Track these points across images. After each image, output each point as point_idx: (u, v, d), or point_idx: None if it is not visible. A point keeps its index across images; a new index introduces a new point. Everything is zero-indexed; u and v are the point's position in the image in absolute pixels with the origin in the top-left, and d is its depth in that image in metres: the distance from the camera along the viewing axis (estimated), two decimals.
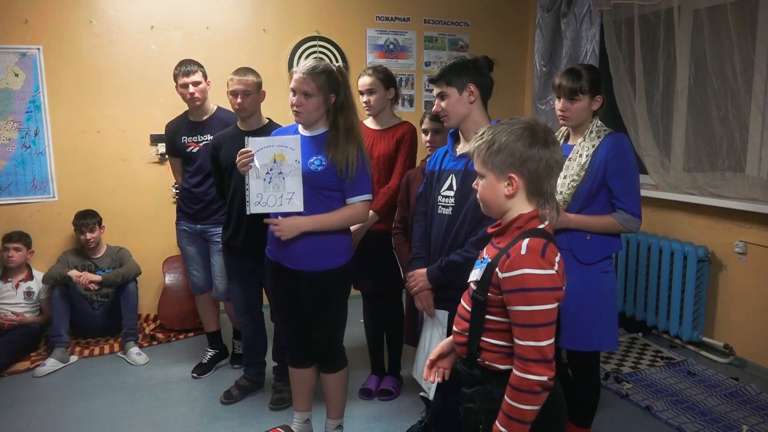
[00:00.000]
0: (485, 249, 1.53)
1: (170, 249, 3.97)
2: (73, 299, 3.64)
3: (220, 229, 3.12)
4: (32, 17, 3.79)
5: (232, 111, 3.13)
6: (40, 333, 3.75)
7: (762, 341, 3.29)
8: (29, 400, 3.06)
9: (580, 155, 2.22)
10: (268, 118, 2.95)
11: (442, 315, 2.03)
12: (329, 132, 2.27)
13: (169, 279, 4.05)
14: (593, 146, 2.21)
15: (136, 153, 4.11)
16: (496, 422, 1.39)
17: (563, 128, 2.38)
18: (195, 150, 3.22)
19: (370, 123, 2.99)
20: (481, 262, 1.48)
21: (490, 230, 1.52)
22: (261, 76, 2.90)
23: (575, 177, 2.20)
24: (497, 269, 1.39)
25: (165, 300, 4.01)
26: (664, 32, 3.69)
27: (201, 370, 3.35)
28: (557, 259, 1.40)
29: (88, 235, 3.72)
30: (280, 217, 2.25)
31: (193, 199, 3.25)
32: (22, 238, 3.72)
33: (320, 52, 4.42)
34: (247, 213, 2.30)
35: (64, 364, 3.45)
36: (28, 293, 3.72)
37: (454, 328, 1.55)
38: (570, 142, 2.32)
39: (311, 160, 2.24)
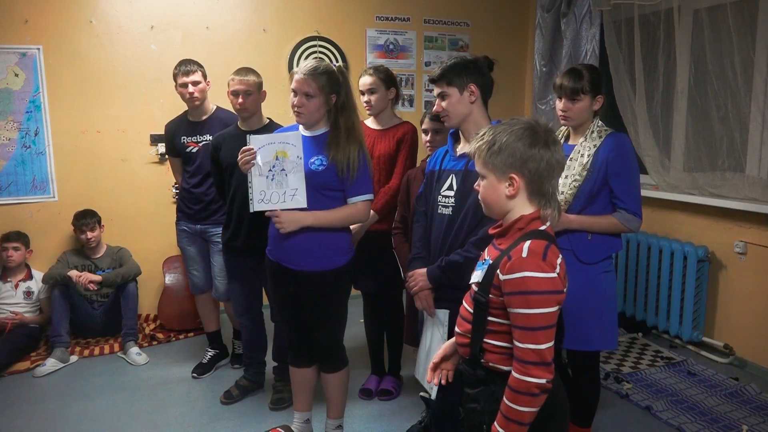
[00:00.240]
0: (486, 250, 1.52)
1: (170, 249, 3.97)
2: (73, 299, 3.64)
3: (219, 230, 3.12)
4: (32, 17, 3.79)
5: (232, 111, 3.13)
6: (40, 333, 3.75)
7: (762, 341, 3.30)
8: (29, 400, 3.05)
9: (582, 155, 2.22)
10: (268, 118, 2.95)
11: (443, 314, 2.03)
12: (330, 132, 2.27)
13: (169, 279, 4.05)
14: (594, 146, 2.21)
15: (136, 153, 4.11)
16: (495, 423, 1.39)
17: (563, 128, 2.39)
18: (194, 150, 3.22)
19: (370, 123, 2.99)
20: (483, 263, 1.48)
21: (491, 231, 1.52)
22: (261, 76, 2.90)
23: (577, 177, 2.20)
24: (498, 271, 1.39)
25: (165, 300, 4.01)
26: (664, 32, 3.69)
27: (201, 370, 3.35)
28: (559, 261, 1.39)
29: (89, 234, 3.72)
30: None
31: (193, 200, 3.25)
32: (20, 237, 3.72)
33: (320, 52, 4.42)
34: (251, 210, 2.28)
35: (64, 364, 3.45)
36: (28, 293, 3.72)
37: (457, 329, 1.55)
38: (571, 142, 2.32)
39: (312, 160, 2.24)
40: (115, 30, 3.98)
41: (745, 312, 3.38)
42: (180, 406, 3.00)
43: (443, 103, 2.05)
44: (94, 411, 2.94)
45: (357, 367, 3.20)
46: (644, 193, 3.73)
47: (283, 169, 2.24)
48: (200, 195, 3.22)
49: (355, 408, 2.91)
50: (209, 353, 3.44)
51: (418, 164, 2.89)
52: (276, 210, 2.23)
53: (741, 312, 3.42)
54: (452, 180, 2.06)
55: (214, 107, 3.29)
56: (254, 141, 2.27)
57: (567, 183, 2.21)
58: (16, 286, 3.71)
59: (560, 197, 2.18)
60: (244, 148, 2.27)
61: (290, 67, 4.33)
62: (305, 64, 2.25)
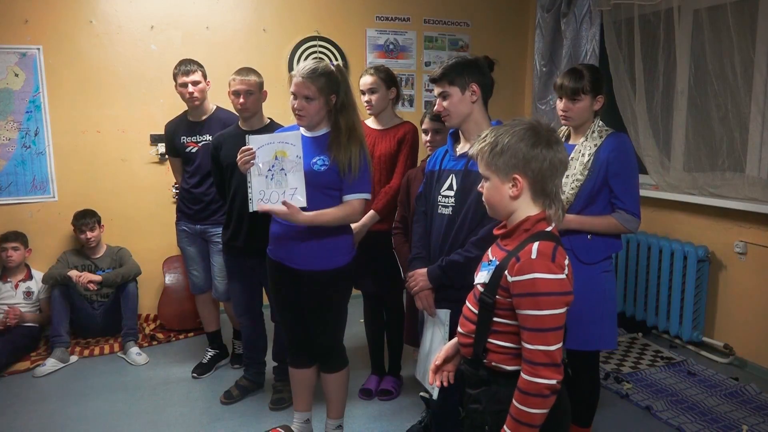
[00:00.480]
0: (491, 250, 1.52)
1: (170, 249, 3.97)
2: (73, 299, 3.64)
3: (219, 230, 3.12)
4: (32, 17, 3.79)
5: (232, 111, 3.14)
6: (40, 333, 3.75)
7: (762, 341, 3.30)
8: (29, 400, 3.05)
9: (583, 154, 2.22)
10: (269, 118, 2.95)
11: (444, 314, 2.03)
12: (331, 132, 2.27)
13: (169, 279, 4.05)
14: (595, 145, 2.21)
15: (136, 153, 4.11)
16: (505, 427, 1.38)
17: (564, 128, 2.39)
18: (194, 150, 3.22)
19: (371, 123, 2.99)
20: (488, 264, 1.48)
21: (496, 232, 1.52)
22: (262, 76, 2.90)
23: (579, 177, 2.20)
24: (506, 272, 1.39)
25: (165, 300, 4.01)
26: (664, 32, 3.69)
27: (201, 370, 3.35)
28: (566, 262, 1.40)
29: (89, 234, 3.72)
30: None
31: (193, 200, 3.25)
32: (18, 237, 3.72)
33: (320, 52, 4.42)
34: (250, 210, 2.28)
35: (64, 364, 3.45)
36: (28, 293, 3.72)
37: (459, 330, 1.55)
38: (571, 142, 2.32)
39: (314, 161, 2.24)
40: (115, 30, 3.98)
41: (745, 312, 3.38)
42: (180, 406, 3.00)
43: (444, 103, 2.05)
44: (94, 411, 2.94)
45: (357, 367, 3.20)
46: (644, 193, 3.76)
47: (282, 169, 2.24)
48: (200, 195, 3.22)
49: (355, 408, 2.91)
50: (209, 353, 3.44)
51: (418, 164, 2.89)
52: (275, 208, 2.21)
53: (741, 312, 3.42)
54: (452, 180, 2.06)
55: (214, 107, 3.29)
56: (253, 141, 2.27)
57: (568, 183, 2.21)
58: (16, 286, 3.71)
59: (562, 197, 2.18)
60: (243, 148, 2.26)
61: (290, 67, 4.33)
62: (303, 66, 2.23)
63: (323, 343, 2.41)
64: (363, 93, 2.91)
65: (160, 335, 3.90)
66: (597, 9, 4.05)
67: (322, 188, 2.24)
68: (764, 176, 3.31)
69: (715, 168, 3.53)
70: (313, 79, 2.19)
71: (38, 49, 3.83)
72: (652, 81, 3.82)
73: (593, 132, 2.25)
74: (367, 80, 2.89)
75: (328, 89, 2.22)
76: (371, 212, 2.84)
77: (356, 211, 2.29)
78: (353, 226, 2.56)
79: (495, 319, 1.43)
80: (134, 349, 3.57)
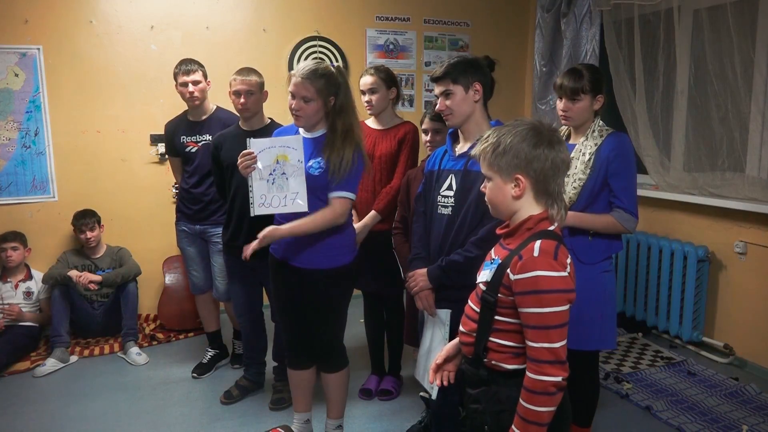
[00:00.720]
0: (493, 250, 1.53)
1: (170, 249, 3.97)
2: (73, 299, 3.64)
3: (219, 230, 3.12)
4: (32, 17, 3.79)
5: (232, 111, 3.14)
6: (40, 333, 3.75)
7: (762, 341, 3.30)
8: (29, 400, 3.05)
9: (583, 153, 2.22)
10: (270, 118, 2.95)
11: (444, 314, 2.03)
12: (327, 134, 2.26)
13: (169, 279, 4.05)
14: (596, 145, 2.22)
15: (136, 153, 4.11)
16: (513, 427, 1.38)
17: (564, 128, 2.39)
18: (194, 150, 3.22)
19: (371, 123, 2.99)
20: (491, 263, 1.48)
21: (499, 231, 1.52)
22: (263, 76, 2.90)
23: (581, 176, 2.20)
24: (509, 271, 1.39)
25: (165, 300, 4.01)
26: (664, 32, 3.69)
27: (201, 370, 3.35)
28: (568, 260, 1.41)
29: (89, 234, 3.72)
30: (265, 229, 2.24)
31: (192, 200, 3.25)
32: (17, 237, 3.72)
33: (320, 52, 4.42)
34: (251, 215, 2.29)
35: (64, 364, 3.45)
36: (28, 293, 3.72)
37: (461, 328, 1.55)
38: (572, 142, 2.32)
39: (310, 164, 2.24)
40: (115, 30, 3.98)
41: (745, 312, 3.38)
42: (180, 406, 3.00)
43: (447, 102, 2.04)
44: (94, 411, 2.94)
45: (357, 367, 3.20)
46: (644, 193, 3.77)
47: (283, 173, 2.23)
48: (199, 195, 3.22)
49: (355, 408, 2.91)
50: (209, 353, 3.44)
51: (419, 164, 2.89)
52: (258, 237, 2.21)
53: (741, 312, 3.42)
54: (452, 180, 2.06)
55: (214, 107, 3.29)
56: (254, 144, 2.26)
57: (569, 182, 2.21)
58: (16, 286, 3.71)
59: (564, 197, 2.18)
60: (244, 151, 2.26)
61: (290, 68, 4.32)
62: (303, 67, 2.22)
63: (323, 342, 2.41)
64: (363, 93, 2.91)
65: (160, 335, 3.90)
66: (597, 9, 4.06)
67: (317, 191, 2.24)
68: (764, 176, 3.31)
69: (715, 168, 3.53)
70: (312, 80, 2.19)
71: (38, 49, 3.83)
72: (652, 81, 3.82)
73: (593, 131, 2.25)
74: (367, 80, 2.88)
75: (327, 91, 2.21)
76: (372, 212, 2.84)
77: (337, 214, 2.22)
78: (355, 226, 2.57)
79: (497, 317, 1.43)
80: (134, 349, 3.57)
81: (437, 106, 2.10)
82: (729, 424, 2.73)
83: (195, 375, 3.32)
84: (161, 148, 3.99)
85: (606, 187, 2.20)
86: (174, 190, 3.76)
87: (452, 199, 2.04)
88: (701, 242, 3.55)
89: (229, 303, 3.30)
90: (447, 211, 2.06)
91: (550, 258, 1.36)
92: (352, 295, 2.44)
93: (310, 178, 2.22)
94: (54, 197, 3.97)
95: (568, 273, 1.38)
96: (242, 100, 2.79)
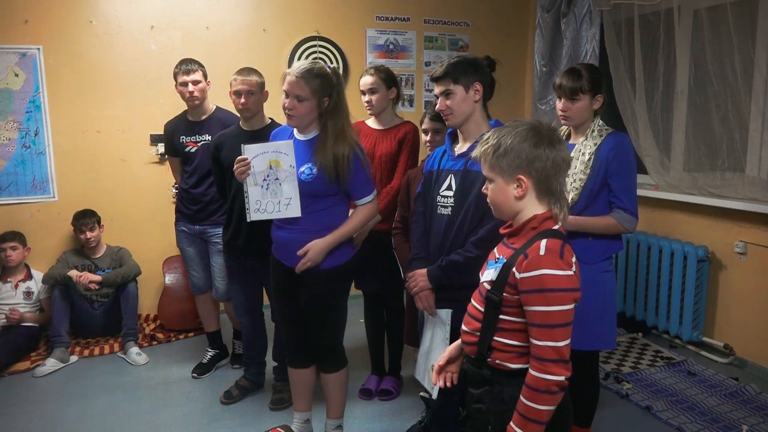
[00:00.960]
0: (497, 249, 1.53)
1: (170, 249, 3.97)
2: (73, 299, 3.64)
3: (218, 230, 3.12)
4: (32, 17, 3.79)
5: (231, 111, 3.14)
6: (40, 333, 3.75)
7: (762, 341, 3.30)
8: (29, 400, 3.05)
9: (583, 153, 2.22)
10: (270, 118, 2.95)
11: (445, 314, 2.03)
12: (319, 135, 2.26)
13: (169, 279, 4.05)
14: (595, 144, 2.22)
15: (136, 153, 4.11)
16: (511, 423, 1.39)
17: (564, 128, 2.39)
18: (193, 150, 3.22)
19: (371, 123, 2.99)
20: (495, 262, 1.48)
21: (502, 231, 1.53)
22: (263, 76, 2.90)
23: (581, 176, 2.20)
24: (514, 269, 1.40)
25: (165, 300, 4.01)
26: (664, 32, 3.69)
27: (201, 370, 3.35)
28: (574, 259, 1.41)
29: (89, 234, 3.72)
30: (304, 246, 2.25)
31: (191, 200, 3.24)
32: (16, 236, 3.72)
33: (320, 52, 4.42)
34: (248, 220, 2.32)
35: (64, 364, 3.45)
36: (28, 293, 3.72)
37: (464, 328, 1.55)
38: (572, 141, 2.32)
39: (302, 169, 2.23)
40: (115, 30, 3.98)
41: (745, 312, 3.38)
42: (180, 406, 3.00)
43: (447, 101, 2.03)
44: (94, 411, 2.94)
45: (357, 367, 3.20)
46: (644, 193, 3.77)
47: (276, 178, 2.25)
48: (198, 195, 3.22)
49: (355, 408, 2.90)
50: (209, 353, 3.44)
51: (419, 164, 2.89)
52: (302, 257, 2.24)
53: (741, 312, 3.42)
54: (451, 180, 2.06)
55: (214, 107, 3.29)
56: (248, 150, 2.29)
57: (569, 182, 2.21)
58: (16, 286, 3.71)
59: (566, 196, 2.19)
60: (238, 158, 2.29)
61: (290, 68, 4.31)
62: (298, 66, 2.23)
63: (323, 342, 2.41)
64: (363, 93, 2.91)
65: (160, 335, 3.90)
66: (597, 9, 4.05)
67: (311, 197, 2.25)
68: (764, 176, 3.31)
69: (715, 168, 3.53)
70: (307, 80, 2.18)
71: (38, 49, 3.83)
72: (652, 81, 3.82)
73: (593, 131, 2.25)
74: (367, 80, 2.88)
75: (321, 91, 2.20)
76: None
77: (372, 212, 2.34)
78: None
79: (501, 316, 1.44)
80: (134, 349, 3.56)
81: (437, 106, 2.09)
82: (729, 424, 2.73)
83: (195, 375, 3.32)
84: (161, 148, 3.98)
85: (606, 187, 2.20)
86: (174, 190, 3.76)
87: (452, 199, 2.04)
88: (701, 242, 3.55)
89: (228, 303, 3.30)
90: (447, 211, 2.06)
91: (556, 257, 1.37)
92: (349, 295, 2.44)
93: (302, 184, 2.23)
94: (54, 197, 3.97)
95: (574, 272, 1.39)
96: (242, 100, 2.79)
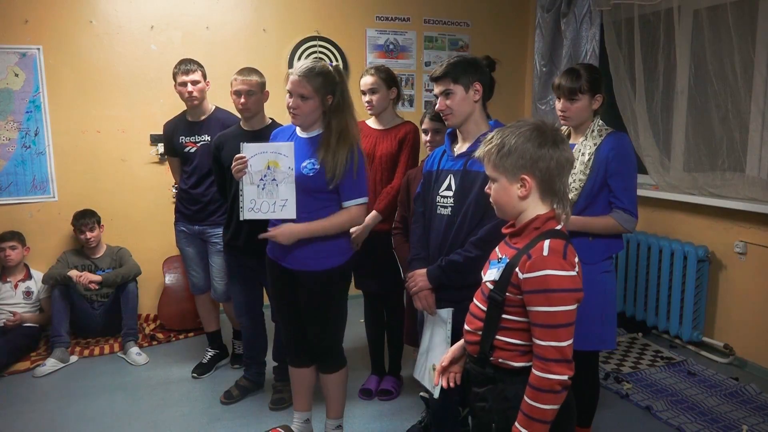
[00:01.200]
0: (499, 248, 1.53)
1: (170, 249, 3.96)
2: (73, 299, 3.64)
3: (217, 230, 3.13)
4: (32, 17, 3.79)
5: (231, 111, 3.14)
6: (40, 333, 3.75)
7: (762, 341, 3.30)
8: (29, 400, 3.05)
9: (583, 154, 2.22)
10: (271, 119, 2.95)
11: (446, 313, 2.03)
12: (323, 133, 2.26)
13: (169, 279, 4.05)
14: (595, 144, 2.21)
15: (136, 153, 4.11)
16: (516, 424, 1.39)
17: (564, 128, 2.39)
18: (192, 150, 3.22)
19: (372, 123, 2.99)
20: (498, 261, 1.49)
21: (505, 230, 1.53)
22: (264, 76, 2.90)
23: (581, 177, 2.20)
24: (517, 269, 1.40)
25: (165, 300, 4.01)
26: (664, 32, 3.69)
27: (201, 370, 3.35)
28: (576, 260, 1.42)
29: (89, 234, 3.72)
30: (277, 226, 2.25)
31: (191, 200, 3.24)
32: (15, 236, 3.72)
33: (320, 52, 4.42)
34: (240, 219, 2.32)
35: (64, 364, 3.45)
36: (27, 293, 3.72)
37: (466, 327, 1.56)
38: (571, 142, 2.32)
39: (304, 164, 2.24)
40: (115, 30, 3.98)
41: (745, 312, 3.38)
42: (180, 406, 3.00)
43: (447, 101, 2.03)
44: (94, 411, 2.94)
45: (357, 367, 3.20)
46: (644, 193, 3.77)
47: (274, 179, 2.25)
48: (198, 196, 3.22)
49: (355, 408, 2.91)
50: (209, 353, 3.44)
51: (419, 164, 2.89)
52: (271, 229, 2.24)
53: (741, 312, 3.42)
54: (450, 180, 2.06)
55: (213, 107, 3.29)
56: (246, 149, 2.29)
57: (569, 183, 2.21)
58: (16, 286, 3.71)
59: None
60: (236, 156, 2.29)
61: (290, 68, 4.32)
62: (301, 65, 2.23)
63: (321, 343, 2.41)
64: (363, 93, 2.91)
65: (160, 335, 3.90)
66: (597, 9, 4.05)
67: (310, 192, 2.24)
68: (764, 176, 3.31)
69: (715, 168, 3.53)
70: (309, 78, 2.19)
71: (38, 49, 3.83)
72: (652, 81, 3.82)
73: (593, 131, 2.25)
74: (367, 80, 2.88)
75: (324, 89, 2.21)
76: (373, 212, 2.84)
77: (354, 217, 2.28)
78: (354, 228, 2.57)
79: (504, 316, 1.44)
80: (134, 349, 3.57)
81: (437, 106, 2.09)
82: (729, 424, 2.73)
83: (195, 375, 3.32)
84: (161, 148, 3.98)
85: (605, 187, 2.20)
86: (174, 191, 3.75)
87: (451, 200, 2.04)
88: (701, 242, 3.55)
89: (228, 303, 3.30)
90: (446, 211, 2.06)
91: (560, 257, 1.37)
92: (348, 296, 2.44)
93: (303, 179, 2.23)
94: (54, 197, 3.97)
95: (577, 272, 1.39)
96: (242, 99, 2.79)
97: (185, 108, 3.29)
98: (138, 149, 4.11)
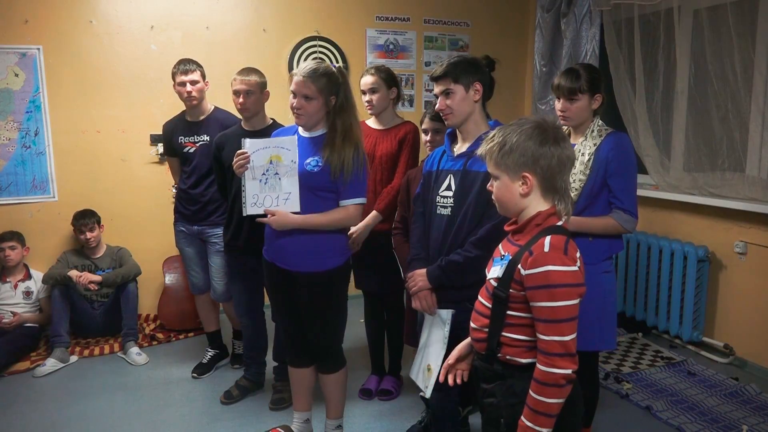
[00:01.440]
0: (502, 246, 1.55)
1: (170, 249, 3.96)
2: (73, 299, 3.64)
3: (217, 231, 3.13)
4: (32, 17, 3.79)
5: (230, 112, 3.14)
6: (40, 333, 3.75)
7: (762, 341, 3.29)
8: (29, 400, 3.05)
9: (583, 154, 2.22)
10: (272, 119, 2.95)
11: (446, 313, 2.03)
12: (327, 133, 2.27)
13: (169, 279, 4.05)
14: (595, 144, 2.21)
15: (136, 153, 4.11)
16: (522, 418, 1.41)
17: (564, 128, 2.38)
18: (191, 150, 3.22)
19: (372, 123, 2.99)
20: (501, 259, 1.50)
21: (506, 227, 1.54)
22: (265, 76, 2.90)
23: (581, 177, 2.20)
24: (520, 266, 1.42)
25: (165, 300, 4.01)
26: (664, 32, 3.69)
27: (201, 370, 3.35)
28: (578, 255, 1.43)
29: (89, 234, 3.72)
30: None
31: (190, 201, 3.24)
32: (14, 236, 3.72)
33: (320, 53, 4.42)
34: (243, 214, 2.31)
35: (64, 364, 3.45)
36: (27, 293, 3.72)
37: (472, 324, 1.57)
38: (571, 141, 2.31)
39: (308, 161, 2.24)
40: (115, 30, 3.98)
41: (745, 312, 3.38)
42: (180, 406, 3.00)
43: (447, 101, 2.03)
44: (94, 411, 2.94)
45: (357, 367, 3.20)
46: (644, 193, 3.77)
47: (276, 173, 2.25)
48: (197, 196, 3.22)
49: (355, 408, 2.91)
50: (209, 353, 3.44)
51: (419, 164, 2.89)
52: (270, 209, 2.24)
53: (741, 312, 3.42)
54: (450, 180, 2.06)
55: (212, 107, 3.29)
56: (248, 145, 2.29)
57: (569, 180, 2.21)
58: (15, 286, 3.71)
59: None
60: (238, 151, 2.29)
61: (290, 68, 4.33)
62: (305, 66, 2.25)
63: (320, 343, 2.41)
64: (364, 93, 2.91)
65: (160, 335, 3.90)
66: (597, 9, 4.06)
67: (314, 189, 2.24)
68: (764, 176, 3.31)
69: (715, 168, 3.53)
70: (313, 79, 2.20)
71: (38, 49, 3.83)
72: (652, 81, 3.82)
73: (593, 131, 2.25)
74: (367, 80, 2.88)
75: (328, 90, 2.22)
76: (374, 212, 2.84)
77: (351, 216, 2.29)
78: (355, 227, 2.56)
79: (509, 312, 1.46)
80: (134, 349, 3.57)
81: (437, 106, 2.09)
82: (729, 424, 2.73)
83: (195, 375, 3.32)
84: (161, 148, 3.98)
85: (605, 187, 2.20)
86: (174, 190, 3.75)
87: (451, 200, 2.04)
88: (701, 242, 3.55)
89: (228, 303, 3.30)
90: (446, 211, 2.06)
91: (561, 253, 1.39)
92: (347, 296, 2.44)
93: (307, 175, 2.23)
94: (54, 197, 3.97)
95: (578, 267, 1.41)
96: (241, 99, 2.80)
97: (185, 108, 3.29)
98: (138, 149, 4.11)
